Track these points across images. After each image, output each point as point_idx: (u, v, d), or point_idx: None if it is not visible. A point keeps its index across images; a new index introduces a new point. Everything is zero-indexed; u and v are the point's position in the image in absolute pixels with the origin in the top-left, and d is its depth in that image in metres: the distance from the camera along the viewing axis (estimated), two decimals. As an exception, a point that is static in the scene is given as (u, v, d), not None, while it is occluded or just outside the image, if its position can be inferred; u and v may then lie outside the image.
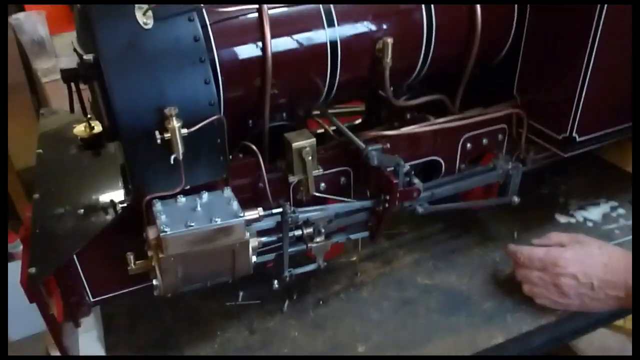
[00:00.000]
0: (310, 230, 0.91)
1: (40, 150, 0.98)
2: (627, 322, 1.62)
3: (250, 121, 0.98)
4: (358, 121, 1.22)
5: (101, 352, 0.91)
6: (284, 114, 1.02)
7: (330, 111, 1.08)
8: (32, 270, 0.71)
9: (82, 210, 0.82)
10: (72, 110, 0.90)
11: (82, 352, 0.88)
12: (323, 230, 0.91)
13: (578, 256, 0.91)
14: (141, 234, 0.81)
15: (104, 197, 0.85)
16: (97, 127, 1.01)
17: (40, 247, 0.75)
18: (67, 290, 0.82)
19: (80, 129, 1.00)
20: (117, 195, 0.86)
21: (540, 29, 0.98)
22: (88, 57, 0.72)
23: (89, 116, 0.99)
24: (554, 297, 0.92)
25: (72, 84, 0.87)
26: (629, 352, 1.71)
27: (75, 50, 0.80)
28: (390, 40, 0.88)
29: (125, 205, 0.81)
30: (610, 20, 0.87)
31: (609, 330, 1.65)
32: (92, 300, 0.87)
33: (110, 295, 0.89)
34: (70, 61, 2.34)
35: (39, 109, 2.39)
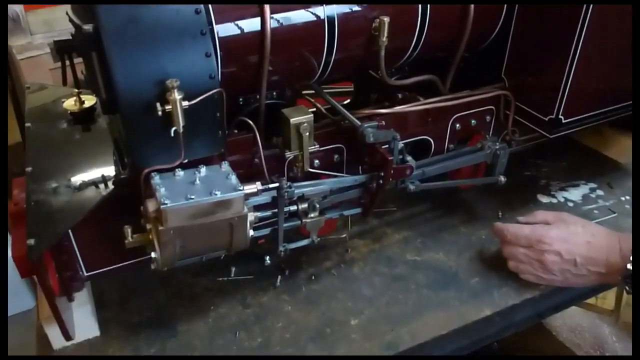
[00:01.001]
0: (304, 205, 0.92)
1: (29, 124, 0.96)
2: (598, 300, 1.69)
3: (244, 98, 0.98)
4: (346, 101, 1.23)
5: (95, 326, 0.90)
6: (274, 93, 1.02)
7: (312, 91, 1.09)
8: (31, 242, 0.70)
9: (77, 184, 0.81)
10: (64, 82, 0.88)
11: (77, 326, 0.87)
12: (317, 206, 0.92)
13: (563, 234, 0.94)
14: (137, 208, 0.81)
15: (99, 171, 0.84)
16: (88, 102, 0.99)
17: (37, 220, 0.74)
18: (61, 265, 0.82)
19: (70, 103, 0.98)
20: (111, 169, 0.85)
21: (529, 14, 1.00)
22: (87, 27, 0.71)
23: (79, 90, 0.98)
24: (539, 273, 0.95)
25: (66, 57, 0.85)
26: (600, 329, 1.78)
27: (71, 20, 0.79)
28: (386, 19, 0.89)
29: (122, 178, 0.80)
30: (598, 8, 0.89)
31: (580, 308, 1.72)
32: (85, 274, 0.87)
33: (104, 269, 0.88)
34: (45, 38, 2.29)
35: (13, 86, 2.33)
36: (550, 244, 0.93)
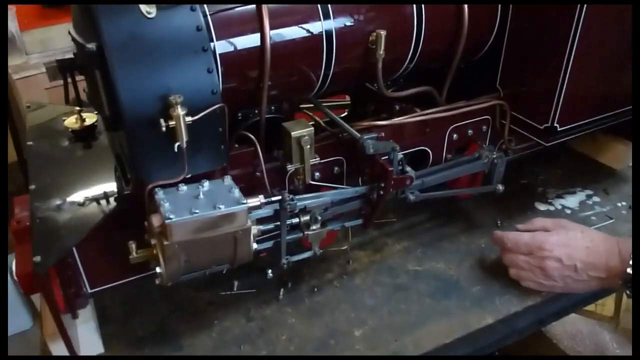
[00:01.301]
0: (306, 218, 0.92)
1: (31, 143, 0.97)
2: (597, 307, 1.69)
3: (243, 113, 0.99)
4: (343, 114, 1.25)
5: (99, 343, 0.90)
6: (272, 107, 1.04)
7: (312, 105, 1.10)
8: (37, 259, 0.70)
9: (81, 201, 0.82)
10: (67, 100, 0.89)
11: (81, 343, 0.87)
12: (319, 218, 0.93)
13: (562, 240, 0.95)
14: (140, 224, 0.82)
15: (102, 188, 0.85)
16: (89, 119, 1.00)
17: (42, 237, 0.75)
18: (65, 281, 0.82)
19: (71, 121, 1.00)
20: (114, 185, 0.86)
21: (522, 25, 1.02)
22: (91, 45, 0.72)
23: (80, 108, 0.99)
24: (540, 280, 0.96)
25: (68, 75, 0.86)
26: (599, 335, 1.79)
27: (73, 39, 0.80)
28: (383, 33, 0.90)
29: (125, 194, 0.81)
30: (590, 16, 0.91)
31: (580, 315, 1.72)
32: (89, 291, 0.87)
33: (108, 286, 0.89)
34: (40, 57, 2.31)
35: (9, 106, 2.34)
36: (550, 250, 0.94)
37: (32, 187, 0.85)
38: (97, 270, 0.86)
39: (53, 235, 0.76)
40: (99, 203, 0.83)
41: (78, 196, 0.83)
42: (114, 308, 0.98)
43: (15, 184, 2.57)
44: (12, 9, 2.12)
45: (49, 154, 0.94)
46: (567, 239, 0.95)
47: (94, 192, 0.84)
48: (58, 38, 2.36)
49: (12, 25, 2.10)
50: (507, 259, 0.99)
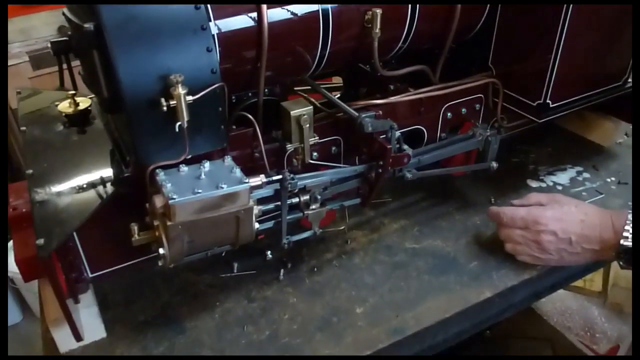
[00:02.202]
0: (306, 197, 0.93)
1: (24, 128, 0.96)
2: (586, 283, 1.74)
3: (235, 95, 0.99)
4: (337, 96, 1.25)
5: (102, 328, 0.90)
6: (265, 89, 1.03)
7: (307, 87, 1.10)
8: (41, 241, 0.70)
9: (80, 184, 0.81)
10: (62, 84, 0.88)
11: (84, 328, 0.87)
12: (319, 198, 0.93)
13: (557, 214, 0.97)
14: (140, 206, 0.81)
15: (100, 171, 0.84)
16: (82, 104, 0.99)
17: (44, 220, 0.74)
18: (66, 266, 0.81)
19: (65, 106, 0.98)
20: (111, 169, 0.86)
21: (514, 4, 1.03)
22: (88, 25, 0.71)
23: (73, 92, 0.98)
24: (535, 253, 0.98)
25: (63, 58, 0.85)
26: (589, 310, 1.83)
27: (69, 20, 0.79)
28: (379, 11, 0.90)
29: (125, 176, 0.80)
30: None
31: (569, 292, 1.77)
32: (90, 275, 0.87)
33: (108, 270, 0.88)
34: (22, 46, 2.26)
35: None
36: (545, 224, 0.96)
37: (30, 171, 0.83)
38: (97, 254, 0.86)
39: (54, 218, 0.75)
40: (98, 186, 0.82)
41: (77, 180, 0.82)
42: (114, 293, 0.98)
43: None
44: (-8, -3, 2.07)
45: (43, 139, 0.93)
46: (561, 213, 0.97)
47: (92, 176, 0.83)
48: (39, 27, 2.32)
49: (-8, 14, 2.06)
50: (504, 233, 1.01)
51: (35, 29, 2.29)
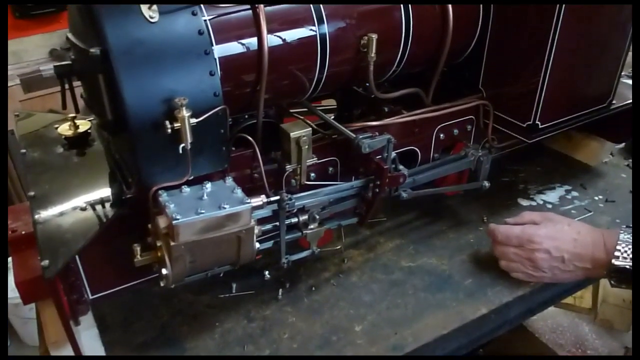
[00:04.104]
0: (304, 217, 0.94)
1: (24, 151, 0.96)
2: (576, 300, 1.76)
3: (232, 118, 1.01)
4: (331, 117, 1.27)
5: (102, 350, 0.90)
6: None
7: (302, 109, 1.12)
8: (46, 262, 0.70)
9: (82, 206, 0.82)
10: (64, 106, 0.89)
11: (85, 351, 0.86)
12: (317, 217, 0.95)
13: (551, 232, 0.99)
14: (141, 227, 0.82)
15: (101, 193, 0.86)
16: (82, 126, 1.00)
17: (47, 242, 0.75)
18: (67, 287, 0.82)
19: (64, 128, 0.99)
20: (113, 190, 0.87)
21: (503, 28, 1.07)
22: (95, 50, 0.72)
23: (73, 115, 0.99)
24: (529, 271, 1.00)
25: (66, 81, 0.86)
26: (579, 327, 1.85)
27: (73, 44, 0.80)
28: (374, 36, 0.93)
29: (128, 197, 0.81)
30: (568, 16, 0.97)
31: (559, 309, 1.79)
32: (91, 297, 0.87)
33: (109, 291, 0.88)
34: (14, 69, 2.27)
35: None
36: (539, 242, 0.98)
37: (32, 193, 0.84)
38: (98, 275, 0.86)
39: (58, 239, 0.76)
40: (100, 207, 0.83)
41: (79, 201, 0.83)
42: (113, 315, 0.98)
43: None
44: (-15, 21, 2.08)
45: (44, 161, 0.94)
46: (555, 231, 0.99)
47: (94, 197, 0.84)
48: (31, 50, 2.33)
49: (-16, 38, 2.07)
50: (498, 251, 1.03)
51: (26, 52, 2.30)
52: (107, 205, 0.84)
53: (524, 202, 1.27)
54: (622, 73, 1.18)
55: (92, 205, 0.83)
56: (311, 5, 0.90)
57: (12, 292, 2.08)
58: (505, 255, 1.02)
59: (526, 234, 0.99)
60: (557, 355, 1.71)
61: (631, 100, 1.23)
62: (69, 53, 0.87)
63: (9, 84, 2.12)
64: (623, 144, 1.45)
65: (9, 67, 2.22)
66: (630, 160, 1.43)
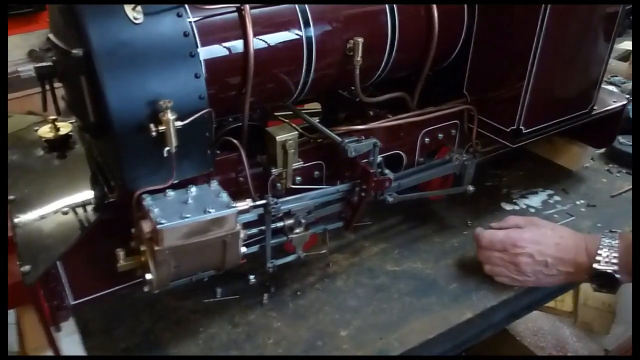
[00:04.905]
0: (290, 221, 0.94)
1: (3, 153, 0.94)
2: (557, 303, 1.78)
3: (217, 121, 1.00)
4: (316, 121, 1.27)
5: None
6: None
7: (287, 113, 1.12)
8: (26, 268, 0.69)
9: (64, 210, 0.80)
10: (45, 109, 0.87)
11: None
12: (303, 222, 0.94)
13: (534, 237, 1.00)
14: (124, 231, 0.81)
15: (82, 196, 0.84)
16: (63, 129, 0.98)
17: (27, 247, 0.73)
18: (48, 293, 0.80)
19: (45, 131, 0.97)
20: (95, 194, 0.85)
21: (487, 32, 1.08)
22: (77, 51, 0.71)
23: (54, 117, 0.97)
24: (513, 275, 1.01)
25: (47, 82, 0.84)
26: (560, 330, 1.87)
27: (55, 45, 0.79)
28: (360, 40, 0.93)
29: (111, 201, 0.80)
30: (552, 21, 0.98)
31: (541, 312, 1.81)
32: (72, 303, 0.85)
33: (90, 297, 0.87)
34: (-8, 70, 2.21)
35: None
36: (523, 247, 0.98)
37: (12, 197, 0.82)
38: (80, 280, 0.84)
39: (39, 244, 0.74)
40: (82, 212, 0.82)
41: (60, 206, 0.81)
42: (95, 321, 0.96)
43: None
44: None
45: (24, 164, 0.92)
46: (538, 235, 1.00)
47: (76, 202, 0.83)
48: (9, 50, 2.28)
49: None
50: (482, 255, 1.04)
51: (9, 53, 2.25)
52: (89, 209, 0.82)
53: (508, 207, 1.28)
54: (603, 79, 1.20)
55: (74, 209, 0.81)
56: (297, 7, 0.90)
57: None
58: (490, 260, 1.02)
59: (510, 238, 1.00)
60: (536, 356, 1.73)
61: (612, 107, 1.25)
62: (48, 54, 0.86)
63: (-14, 85, 2.07)
64: (603, 149, 1.47)
65: (-14, 67, 2.17)
66: (611, 165, 1.45)
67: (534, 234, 1.00)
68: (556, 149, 1.43)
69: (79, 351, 0.87)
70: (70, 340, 0.86)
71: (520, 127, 1.09)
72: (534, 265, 0.98)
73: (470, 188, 1.14)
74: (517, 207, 1.27)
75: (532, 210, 1.26)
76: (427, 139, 1.13)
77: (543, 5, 0.96)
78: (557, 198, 1.31)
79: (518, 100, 1.06)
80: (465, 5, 1.08)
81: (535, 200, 1.30)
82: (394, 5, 0.99)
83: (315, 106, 1.32)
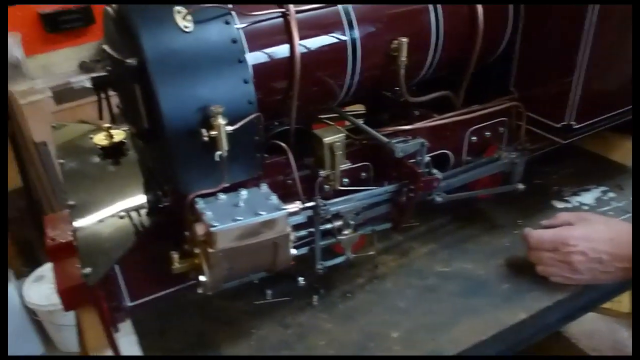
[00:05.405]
0: (339, 223, 0.94)
1: (62, 161, 0.98)
2: (614, 304, 1.72)
3: (264, 125, 1.01)
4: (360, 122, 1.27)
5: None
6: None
7: (331, 115, 1.12)
8: (88, 270, 0.71)
9: (120, 214, 0.83)
10: (101, 117, 0.90)
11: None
12: (352, 223, 0.94)
13: (586, 233, 0.96)
14: (177, 234, 0.83)
15: (138, 201, 0.87)
16: (117, 136, 1.02)
17: (88, 250, 0.76)
18: (107, 295, 0.83)
19: (100, 138, 1.01)
20: (149, 198, 0.88)
21: (534, 27, 1.06)
22: (131, 60, 0.74)
23: (108, 125, 1.01)
24: (567, 274, 0.97)
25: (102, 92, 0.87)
26: (617, 333, 1.80)
27: (109, 55, 0.82)
28: (405, 40, 0.93)
29: (165, 205, 0.82)
30: (603, 11, 0.95)
31: (597, 314, 1.74)
32: (129, 304, 0.88)
33: (146, 299, 0.89)
34: (45, 82, 2.32)
35: (14, 132, 2.35)
36: (574, 245, 0.95)
37: (71, 202, 0.86)
38: (136, 282, 0.87)
39: (98, 248, 0.77)
40: (137, 215, 0.84)
41: (116, 210, 0.84)
42: (148, 322, 0.98)
43: (18, 209, 2.57)
44: (18, 35, 2.14)
45: (81, 170, 0.96)
46: (590, 231, 0.96)
47: (131, 206, 0.86)
48: (60, 63, 2.38)
49: (18, 52, 2.12)
50: (533, 256, 1.01)
51: (56, 65, 2.35)
52: (144, 213, 0.85)
53: (559, 204, 1.24)
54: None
55: (129, 213, 0.84)
56: (340, 9, 0.90)
57: (45, 300, 2.14)
58: (541, 260, 0.99)
59: (559, 236, 0.97)
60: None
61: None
62: (98, 65, 0.89)
63: (41, 97, 2.17)
64: (660, 143, 1.42)
65: (40, 80, 2.27)
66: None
67: (586, 230, 0.96)
68: (609, 144, 1.38)
69: (136, 351, 0.90)
70: (127, 340, 0.89)
71: (571, 122, 1.06)
72: (588, 263, 0.95)
73: (520, 186, 1.12)
74: (569, 205, 1.24)
75: (586, 207, 1.23)
76: (474, 138, 1.12)
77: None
78: (611, 194, 1.26)
79: (568, 94, 1.03)
80: (511, 5, 1.06)
81: (588, 197, 1.26)
82: (438, 4, 0.98)
83: (359, 108, 1.32)
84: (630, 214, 1.19)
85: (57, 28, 2.30)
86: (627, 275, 0.96)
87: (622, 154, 1.37)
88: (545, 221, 1.05)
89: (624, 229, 0.97)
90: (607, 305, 1.64)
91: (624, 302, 1.68)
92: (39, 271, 2.30)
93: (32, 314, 2.27)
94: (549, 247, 0.98)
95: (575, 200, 1.25)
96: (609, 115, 1.12)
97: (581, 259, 0.95)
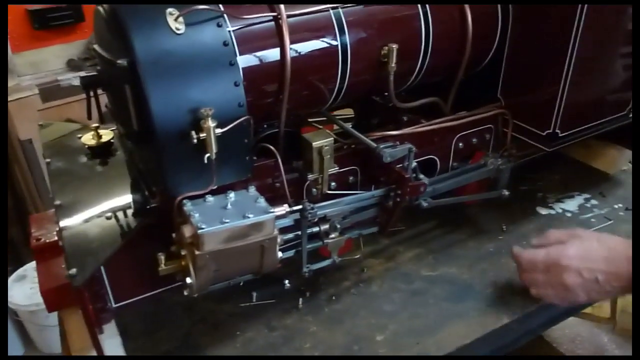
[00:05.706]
0: (326, 226, 0.95)
1: (49, 160, 0.98)
2: (594, 309, 1.74)
3: (254, 128, 1.01)
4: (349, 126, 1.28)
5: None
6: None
7: (320, 119, 1.12)
8: (74, 271, 0.71)
9: (107, 215, 0.83)
10: (89, 116, 0.90)
11: (109, 358, 0.87)
12: (338, 227, 0.95)
13: (579, 252, 0.91)
14: (164, 236, 0.83)
15: (126, 202, 0.86)
16: (105, 136, 1.01)
17: (74, 250, 0.76)
18: (92, 296, 0.82)
19: (88, 138, 1.00)
20: (137, 199, 0.87)
21: (522, 36, 1.07)
22: (122, 61, 0.73)
23: (97, 125, 1.00)
24: (562, 295, 0.92)
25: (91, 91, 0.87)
26: (598, 337, 1.83)
27: (100, 55, 0.82)
28: (395, 46, 0.94)
29: (152, 206, 0.82)
30: (589, 22, 0.96)
31: (578, 318, 1.77)
32: (114, 305, 0.88)
33: (131, 300, 0.89)
34: (32, 79, 2.30)
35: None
36: (568, 264, 0.90)
37: (58, 202, 0.85)
38: (122, 284, 0.86)
39: (85, 248, 0.77)
40: (125, 216, 0.84)
41: (104, 211, 0.84)
42: (134, 324, 0.98)
43: None
44: (4, 32, 2.11)
45: (68, 170, 0.95)
46: (583, 250, 0.91)
47: (119, 207, 0.85)
48: (50, 60, 2.36)
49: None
50: (526, 278, 0.97)
51: (45, 62, 2.32)
52: (131, 214, 0.84)
53: (543, 211, 1.26)
54: (641, 81, 1.18)
55: (117, 215, 0.83)
56: (332, 14, 0.91)
57: (28, 300, 2.12)
58: (534, 283, 0.95)
59: (552, 256, 0.92)
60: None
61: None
62: (86, 63, 0.89)
63: (28, 94, 2.14)
64: (642, 152, 1.44)
65: (28, 77, 2.25)
66: (650, 169, 1.42)
67: (578, 248, 0.91)
68: (592, 152, 1.41)
69: (121, 353, 0.89)
70: (111, 342, 0.89)
71: (556, 130, 1.07)
72: (584, 284, 0.89)
73: (505, 192, 1.13)
74: (553, 212, 1.26)
75: (569, 214, 1.25)
76: (461, 144, 1.13)
77: (579, 5, 0.95)
78: (594, 202, 1.29)
79: (554, 103, 1.05)
80: (499, 7, 1.07)
81: (571, 204, 1.28)
82: (427, 9, 0.99)
83: (348, 112, 1.33)
84: (611, 221, 1.21)
85: (45, 25, 2.27)
86: (624, 292, 0.90)
87: (605, 162, 1.39)
88: (536, 240, 1.01)
89: (618, 245, 0.91)
90: (587, 310, 1.67)
91: (603, 307, 1.71)
92: (21, 270, 2.26)
93: (12, 314, 2.25)
94: (541, 268, 0.93)
95: (559, 207, 1.27)
96: (593, 124, 1.14)
97: (576, 280, 0.89)
